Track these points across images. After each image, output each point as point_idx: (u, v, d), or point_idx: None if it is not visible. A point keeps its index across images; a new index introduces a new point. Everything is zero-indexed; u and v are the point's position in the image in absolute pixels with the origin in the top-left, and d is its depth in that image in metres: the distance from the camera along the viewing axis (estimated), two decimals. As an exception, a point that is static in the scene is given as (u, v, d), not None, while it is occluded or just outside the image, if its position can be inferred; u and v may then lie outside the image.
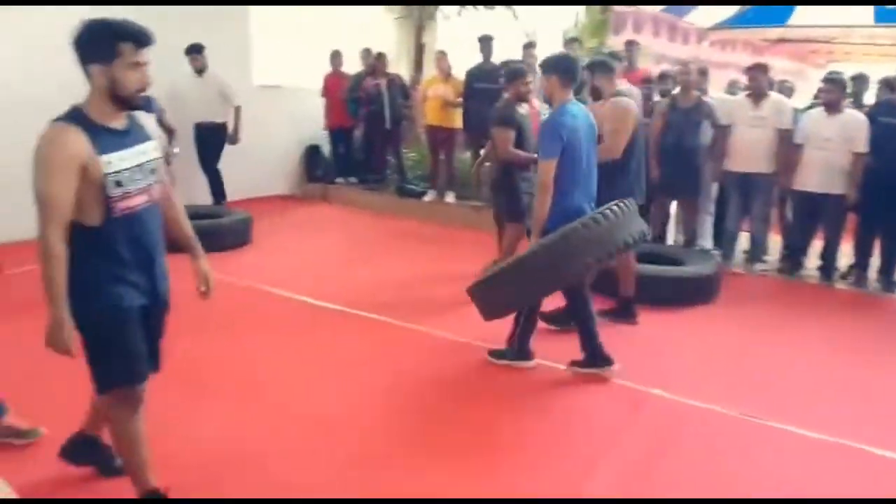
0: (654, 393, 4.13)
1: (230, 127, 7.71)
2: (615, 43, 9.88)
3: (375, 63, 8.92)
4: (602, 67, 5.02)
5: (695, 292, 5.77)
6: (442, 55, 8.47)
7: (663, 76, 7.20)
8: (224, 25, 8.34)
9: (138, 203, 2.42)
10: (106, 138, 2.32)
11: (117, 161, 2.34)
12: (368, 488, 3.05)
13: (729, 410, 3.94)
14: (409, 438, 3.54)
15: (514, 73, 5.40)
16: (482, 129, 7.73)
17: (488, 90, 7.64)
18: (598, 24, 10.57)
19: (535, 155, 4.78)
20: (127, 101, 2.36)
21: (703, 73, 7.37)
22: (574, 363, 4.36)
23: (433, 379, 4.24)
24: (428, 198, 8.66)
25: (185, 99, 7.53)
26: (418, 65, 10.58)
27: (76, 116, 2.30)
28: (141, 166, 2.42)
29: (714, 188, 7.06)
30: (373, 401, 3.91)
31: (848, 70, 7.35)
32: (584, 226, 3.70)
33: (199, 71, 7.55)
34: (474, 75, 8.11)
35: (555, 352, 4.55)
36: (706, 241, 7.13)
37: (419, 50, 10.57)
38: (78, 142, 2.25)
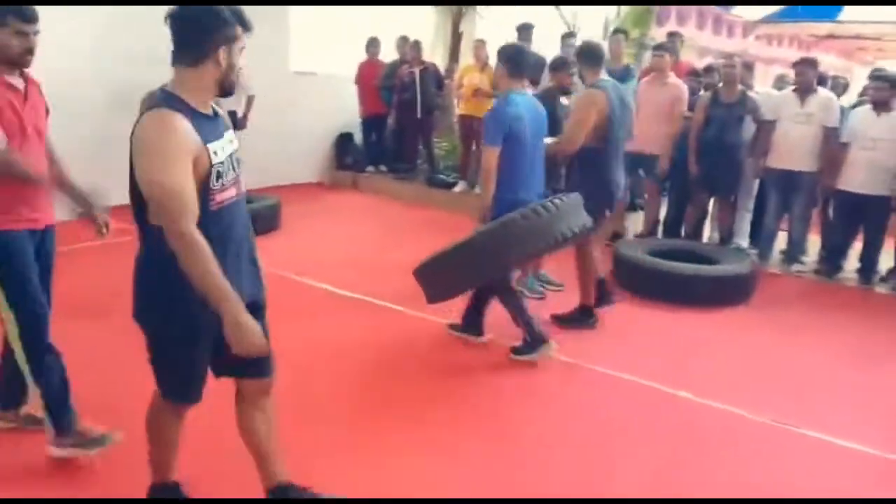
0: (681, 395, 4.00)
1: (240, 114, 7.39)
2: (658, 34, 9.67)
3: (410, 51, 8.83)
4: (586, 56, 4.73)
5: (729, 292, 5.58)
6: (480, 44, 8.34)
7: (709, 69, 7.00)
8: (265, 11, 8.28)
9: (231, 196, 2.26)
10: (206, 125, 2.16)
11: (220, 151, 2.19)
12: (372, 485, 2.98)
13: (757, 416, 3.79)
14: (406, 426, 3.47)
15: (559, 62, 5.27)
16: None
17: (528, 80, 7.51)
18: (640, 14, 10.33)
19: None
20: (231, 87, 2.24)
21: (749, 67, 7.17)
22: (515, 350, 4.34)
23: (447, 369, 4.17)
24: (458, 188, 8.55)
25: None
26: (454, 53, 10.46)
27: (173, 101, 2.11)
28: (231, 156, 2.27)
29: (754, 185, 6.85)
30: (369, 388, 3.86)
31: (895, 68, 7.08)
32: (523, 216, 3.72)
33: None
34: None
35: (582, 351, 4.44)
36: (742, 239, 6.93)
37: (456, 39, 10.45)
38: (189, 129, 2.08)
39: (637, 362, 4.38)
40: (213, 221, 2.14)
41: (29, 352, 2.89)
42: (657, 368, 4.28)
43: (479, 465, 3.21)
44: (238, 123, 7.51)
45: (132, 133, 2.10)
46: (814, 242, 6.76)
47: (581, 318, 4.89)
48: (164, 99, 2.11)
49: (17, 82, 2.82)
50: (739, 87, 6.42)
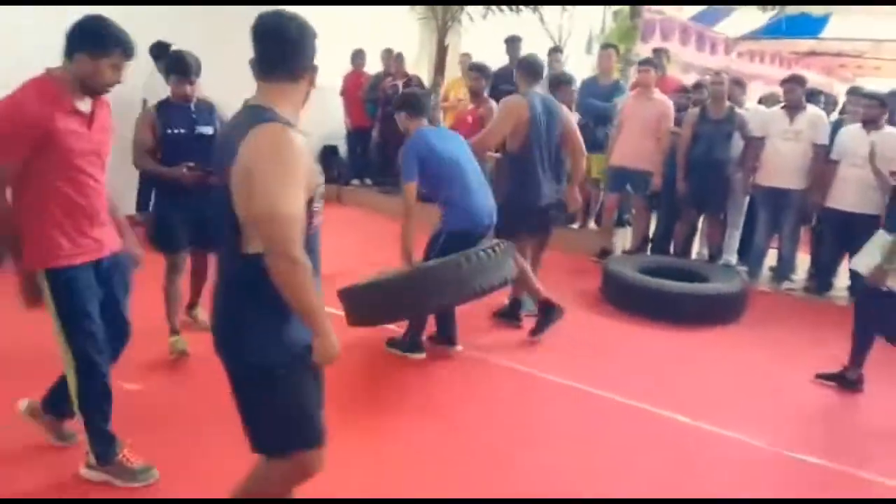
0: (669, 416, 3.91)
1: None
2: (643, 50, 9.67)
3: (393, 63, 8.75)
4: (526, 69, 4.92)
5: (719, 310, 5.52)
6: (465, 57, 8.28)
7: (698, 86, 6.97)
8: (248, 21, 8.15)
9: (321, 221, 2.14)
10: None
11: (318, 171, 2.08)
12: None
13: (751, 439, 3.71)
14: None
15: (560, 79, 5.18)
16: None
17: (513, 93, 7.44)
18: (626, 30, 10.33)
19: None
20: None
21: (740, 84, 7.15)
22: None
23: (429, 381, 4.05)
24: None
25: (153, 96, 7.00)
26: (440, 67, 10.38)
27: (278, 117, 1.97)
28: None
29: (744, 202, 6.81)
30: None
31: (872, 85, 7.12)
32: (445, 265, 3.79)
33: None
34: (500, 77, 7.90)
35: (568, 368, 4.35)
36: (732, 256, 6.89)
37: (441, 52, 10.38)
38: (306, 149, 1.96)
39: (624, 381, 4.31)
40: (306, 246, 1.96)
41: (81, 388, 2.84)
42: (645, 387, 4.21)
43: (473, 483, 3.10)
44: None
45: (233, 152, 1.91)
46: (803, 260, 6.73)
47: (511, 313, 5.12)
48: (267, 114, 1.96)
49: (85, 106, 2.71)
50: (727, 103, 6.40)
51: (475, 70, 6.36)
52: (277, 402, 2.08)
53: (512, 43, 7.99)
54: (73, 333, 2.77)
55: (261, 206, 1.86)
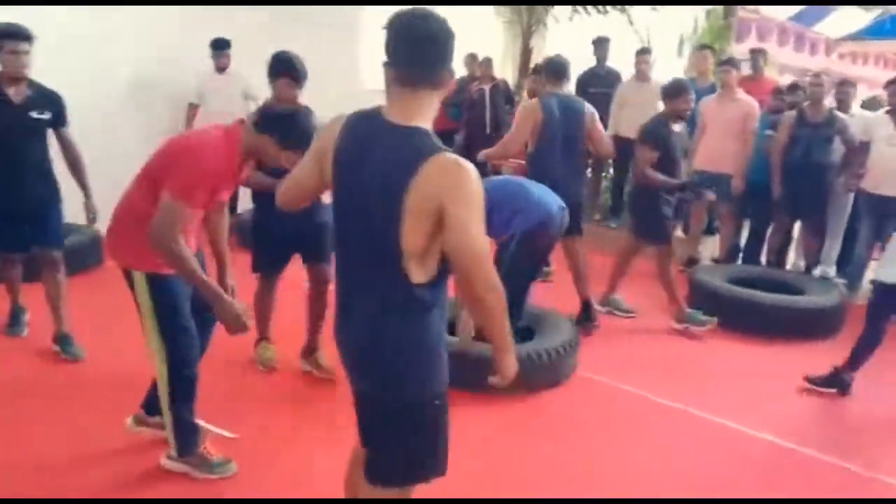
0: (763, 437, 3.71)
1: None
2: (737, 51, 9.31)
3: (480, 67, 8.70)
4: (552, 70, 5.01)
5: (814, 325, 5.22)
6: (550, 60, 8.15)
7: (794, 87, 6.64)
8: (334, 25, 8.28)
9: None
10: None
11: None
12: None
13: (847, 464, 3.48)
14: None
15: (678, 87, 5.03)
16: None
17: (602, 96, 7.31)
18: (719, 30, 9.97)
19: (674, 181, 4.94)
20: None
21: (850, 85, 6.74)
22: None
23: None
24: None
25: (203, 99, 6.86)
26: (524, 70, 10.29)
27: (443, 147, 1.89)
28: None
29: (846, 210, 6.43)
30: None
31: None
32: None
33: (222, 69, 6.86)
34: (586, 80, 7.75)
35: (651, 384, 4.19)
36: (830, 268, 6.52)
37: (526, 55, 10.29)
38: None
39: (706, 396, 4.15)
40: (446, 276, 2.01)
41: (172, 380, 2.92)
42: (730, 404, 4.04)
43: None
44: None
45: (401, 181, 1.82)
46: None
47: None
48: (438, 143, 1.88)
49: None
50: (827, 105, 6.07)
51: (535, 73, 6.29)
52: (432, 432, 2.05)
53: (600, 44, 7.80)
54: (169, 328, 2.85)
55: (462, 241, 1.84)
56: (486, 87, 8.57)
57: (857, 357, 4.21)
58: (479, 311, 1.96)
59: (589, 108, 5.00)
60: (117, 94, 6.54)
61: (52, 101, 4.04)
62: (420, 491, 2.16)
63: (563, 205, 4.20)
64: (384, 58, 1.92)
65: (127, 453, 3.18)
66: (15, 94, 3.90)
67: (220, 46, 6.75)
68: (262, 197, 3.80)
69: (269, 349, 4.16)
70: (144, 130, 6.22)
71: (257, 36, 6.74)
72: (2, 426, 3.38)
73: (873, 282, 4.26)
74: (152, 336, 2.88)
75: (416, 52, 1.89)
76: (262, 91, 6.52)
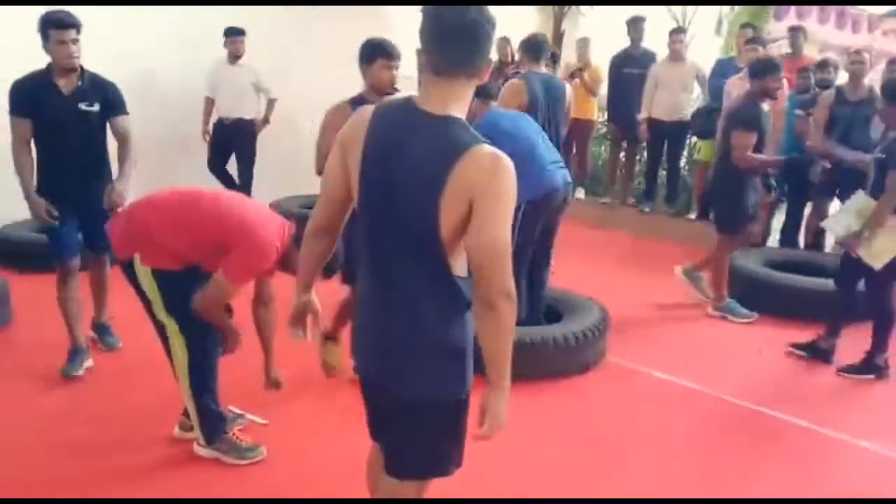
0: (798, 423, 3.64)
1: (259, 119, 6.85)
2: (777, 29, 9.09)
3: (515, 51, 8.58)
4: (529, 48, 5.02)
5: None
6: (583, 43, 8.03)
7: (823, 65, 6.44)
8: (364, 16, 8.25)
9: None
10: None
11: None
12: None
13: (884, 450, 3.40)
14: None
15: (767, 66, 4.88)
16: (630, 118, 7.31)
17: (637, 77, 7.24)
18: (757, 8, 9.73)
19: (778, 157, 4.84)
20: None
21: None
22: None
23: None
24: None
25: (214, 91, 6.71)
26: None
27: (480, 138, 1.83)
28: None
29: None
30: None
31: None
32: None
33: (236, 57, 6.60)
34: (620, 61, 7.62)
35: (689, 370, 4.13)
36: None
37: (558, 38, 10.16)
38: None
39: (741, 383, 4.10)
40: None
41: (192, 370, 2.96)
42: (767, 392, 4.00)
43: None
44: (255, 131, 6.84)
45: (438, 170, 1.75)
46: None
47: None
48: (475, 134, 1.80)
49: None
50: (867, 83, 5.88)
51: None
52: (458, 427, 2.01)
53: (634, 24, 7.63)
54: (184, 317, 2.86)
55: (487, 240, 1.75)
56: (523, 72, 8.47)
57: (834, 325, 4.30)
58: (487, 323, 1.80)
59: (568, 88, 5.05)
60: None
61: (102, 91, 3.77)
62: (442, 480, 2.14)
63: (569, 179, 4.19)
64: (419, 44, 1.83)
65: (160, 440, 3.23)
66: (65, 84, 3.67)
67: (232, 34, 6.52)
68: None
69: (334, 353, 3.82)
70: (161, 121, 6.22)
71: (282, 22, 6.75)
72: (39, 410, 3.47)
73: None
74: (168, 327, 2.91)
75: (455, 39, 1.79)
76: (274, 84, 6.65)
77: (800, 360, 4.39)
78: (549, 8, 10.32)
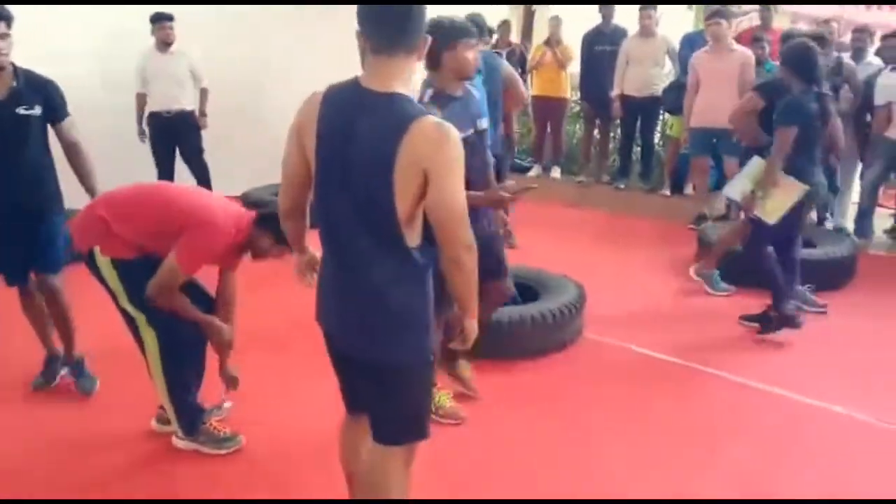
0: (773, 391, 3.71)
1: (198, 112, 6.40)
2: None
3: (496, 32, 8.49)
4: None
5: (828, 276, 5.14)
6: (555, 21, 8.01)
7: (787, 37, 6.42)
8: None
9: None
10: None
11: None
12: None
13: (857, 413, 3.47)
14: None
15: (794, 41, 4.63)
16: (603, 96, 7.32)
17: (609, 54, 7.24)
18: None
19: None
20: None
21: (866, 32, 6.55)
22: None
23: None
24: (532, 172, 8.26)
25: (146, 84, 6.23)
26: (527, 32, 10.16)
27: (425, 110, 1.95)
28: None
29: (857, 163, 6.32)
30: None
31: None
32: None
33: (166, 45, 6.13)
34: (592, 38, 7.61)
35: (677, 347, 4.18)
36: (844, 219, 6.42)
37: (529, 16, 10.15)
38: None
39: (722, 356, 4.13)
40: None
41: (166, 370, 2.95)
42: (745, 363, 4.04)
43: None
44: (198, 123, 6.42)
45: (388, 147, 1.84)
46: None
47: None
48: (420, 107, 1.92)
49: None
50: (834, 53, 5.92)
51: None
52: (428, 387, 2.18)
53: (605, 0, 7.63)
54: (151, 308, 2.84)
55: (446, 204, 1.89)
56: (503, 53, 8.42)
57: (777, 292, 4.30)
58: (455, 273, 1.98)
59: (506, 65, 5.23)
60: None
61: (42, 92, 3.31)
62: (431, 471, 2.16)
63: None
64: (358, 27, 1.92)
65: (139, 434, 3.22)
66: None
67: (161, 19, 6.06)
68: None
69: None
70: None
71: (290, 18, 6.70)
72: (23, 407, 3.46)
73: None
74: (137, 320, 2.90)
75: (389, 18, 1.89)
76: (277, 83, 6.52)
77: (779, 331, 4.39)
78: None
